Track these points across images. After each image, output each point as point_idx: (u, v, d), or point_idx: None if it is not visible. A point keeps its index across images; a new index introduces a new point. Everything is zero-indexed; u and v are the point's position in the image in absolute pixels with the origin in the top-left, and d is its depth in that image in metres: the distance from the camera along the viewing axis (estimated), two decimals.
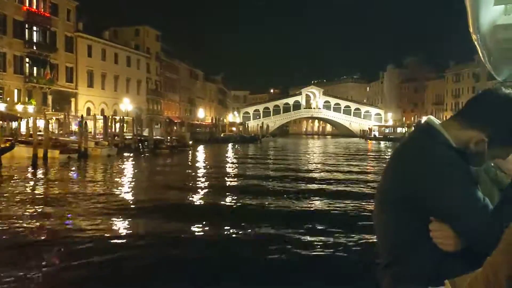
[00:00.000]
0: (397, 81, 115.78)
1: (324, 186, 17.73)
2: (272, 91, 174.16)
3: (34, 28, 45.49)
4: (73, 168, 24.47)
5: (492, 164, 1.69)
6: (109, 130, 43.06)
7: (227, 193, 15.90)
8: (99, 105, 55.42)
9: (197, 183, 19.11)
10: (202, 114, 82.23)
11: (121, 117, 40.84)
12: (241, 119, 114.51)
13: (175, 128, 71.08)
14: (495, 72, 4.21)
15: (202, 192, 16.47)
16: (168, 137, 42.89)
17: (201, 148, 49.34)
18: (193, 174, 23.00)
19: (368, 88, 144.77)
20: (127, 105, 52.31)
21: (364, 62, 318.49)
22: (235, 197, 15.03)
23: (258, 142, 69.16)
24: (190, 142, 45.86)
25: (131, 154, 35.06)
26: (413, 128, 1.57)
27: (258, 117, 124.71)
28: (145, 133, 47.30)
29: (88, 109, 52.71)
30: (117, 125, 46.76)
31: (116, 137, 39.18)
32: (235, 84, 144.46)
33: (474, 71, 77.03)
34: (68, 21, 50.72)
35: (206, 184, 18.75)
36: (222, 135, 73.10)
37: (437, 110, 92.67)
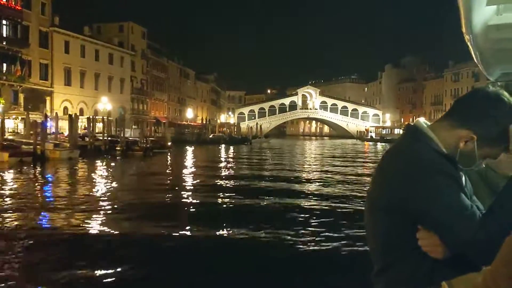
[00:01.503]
0: (395, 81, 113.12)
1: (298, 189, 15.19)
2: (269, 91, 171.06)
3: (4, 21, 42.51)
4: (9, 174, 21.48)
5: (484, 165, 1.64)
6: (83, 130, 40.32)
7: (182, 206, 13.26)
8: (78, 105, 52.46)
9: (148, 194, 16.21)
10: (191, 114, 79.17)
11: (92, 117, 37.87)
12: (235, 119, 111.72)
13: (158, 128, 68.51)
14: (487, 72, 4.11)
15: (151, 203, 13.59)
16: (144, 138, 39.74)
17: (183, 150, 46.49)
18: (149, 182, 20.06)
19: (366, 88, 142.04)
20: (105, 104, 49.19)
21: (363, 62, 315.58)
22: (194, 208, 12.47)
23: (248, 143, 66.44)
24: (170, 143, 42.86)
25: (98, 157, 32.12)
26: (402, 132, 1.55)
27: (253, 117, 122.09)
28: (127, 133, 44.53)
29: (65, 109, 49.76)
30: (98, 124, 44.24)
31: (86, 138, 36.34)
32: (231, 84, 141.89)
33: (473, 70, 74.19)
34: (43, 15, 47.73)
35: (160, 196, 15.84)
36: (211, 136, 70.30)
37: (435, 110, 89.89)
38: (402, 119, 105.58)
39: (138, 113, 65.83)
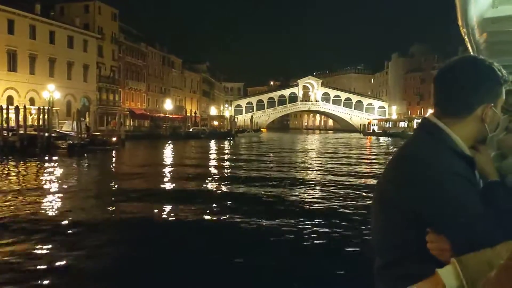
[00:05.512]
0: (402, 71, 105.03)
1: None
2: (272, 83, 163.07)
3: None
4: None
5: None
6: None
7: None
8: (27, 93, 45.63)
9: None
10: (170, 105, 71.95)
11: (5, 106, 30.94)
12: (232, 112, 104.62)
13: (134, 121, 61.84)
14: None
15: None
16: (84, 133, 32.64)
17: (138, 147, 39.62)
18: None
19: (372, 79, 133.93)
20: (53, 91, 42.07)
21: (369, 52, 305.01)
22: None
23: (230, 138, 59.26)
24: (115, 139, 35.73)
25: (4, 156, 25.26)
26: (417, 126, 1.48)
27: (251, 110, 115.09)
28: (70, 127, 37.57)
29: (10, 98, 43.04)
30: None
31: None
32: (229, 76, 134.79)
33: None
34: None
35: None
36: (191, 130, 63.33)
37: None
38: (409, 112, 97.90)
39: (108, 104, 58.98)
